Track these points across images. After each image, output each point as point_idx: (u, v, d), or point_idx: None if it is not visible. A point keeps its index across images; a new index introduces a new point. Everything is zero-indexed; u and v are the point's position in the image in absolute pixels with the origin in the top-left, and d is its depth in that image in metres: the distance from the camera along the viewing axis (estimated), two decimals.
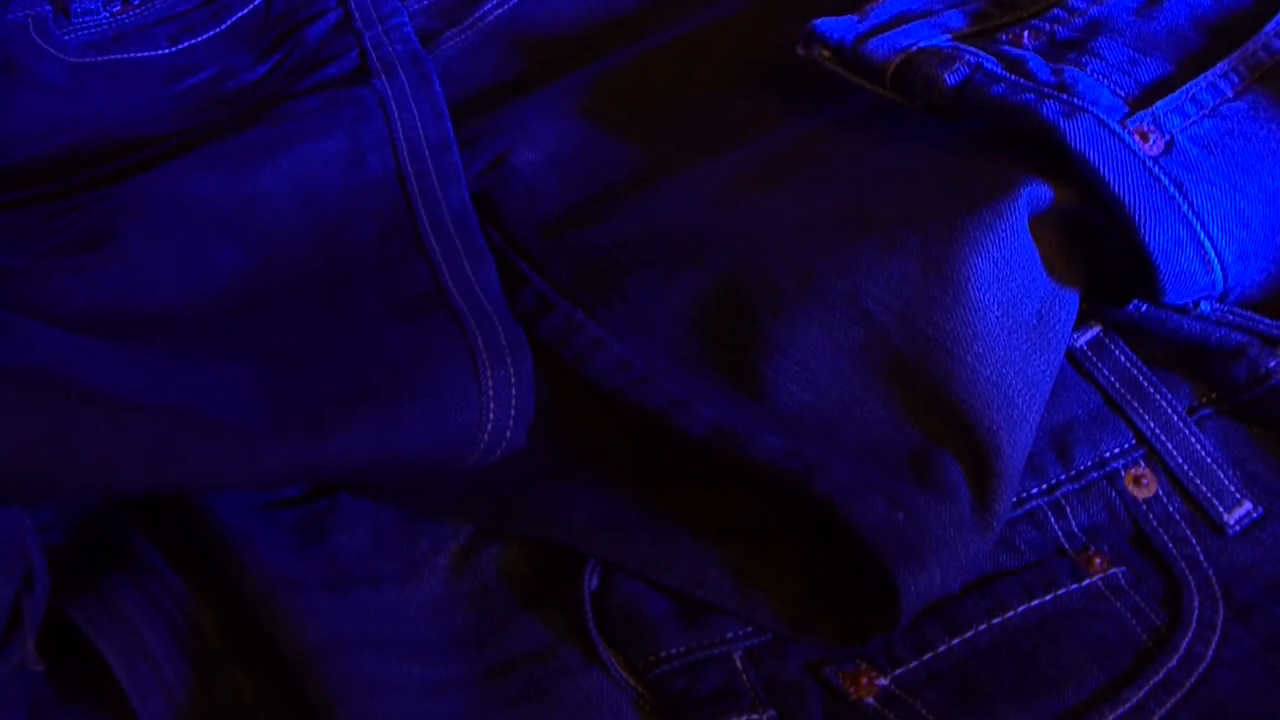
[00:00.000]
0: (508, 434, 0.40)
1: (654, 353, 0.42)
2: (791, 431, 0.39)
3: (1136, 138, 0.40)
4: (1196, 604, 0.38)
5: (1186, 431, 0.41)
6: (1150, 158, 0.39)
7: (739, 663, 0.38)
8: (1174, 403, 0.42)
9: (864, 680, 0.37)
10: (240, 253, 0.45)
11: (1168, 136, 0.40)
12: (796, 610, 0.38)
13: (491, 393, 0.40)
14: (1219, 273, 0.40)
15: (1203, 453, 0.41)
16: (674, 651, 0.38)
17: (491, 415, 0.40)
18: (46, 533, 0.41)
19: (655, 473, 0.41)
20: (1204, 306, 0.41)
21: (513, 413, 0.40)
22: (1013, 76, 0.42)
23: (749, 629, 0.38)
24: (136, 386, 0.37)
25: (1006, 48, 0.44)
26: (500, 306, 0.43)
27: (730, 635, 0.38)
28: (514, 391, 0.40)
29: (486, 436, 0.40)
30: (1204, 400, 0.42)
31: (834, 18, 0.46)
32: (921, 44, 0.44)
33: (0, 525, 0.38)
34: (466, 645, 0.39)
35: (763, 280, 0.41)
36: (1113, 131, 0.40)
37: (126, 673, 0.38)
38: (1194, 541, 0.40)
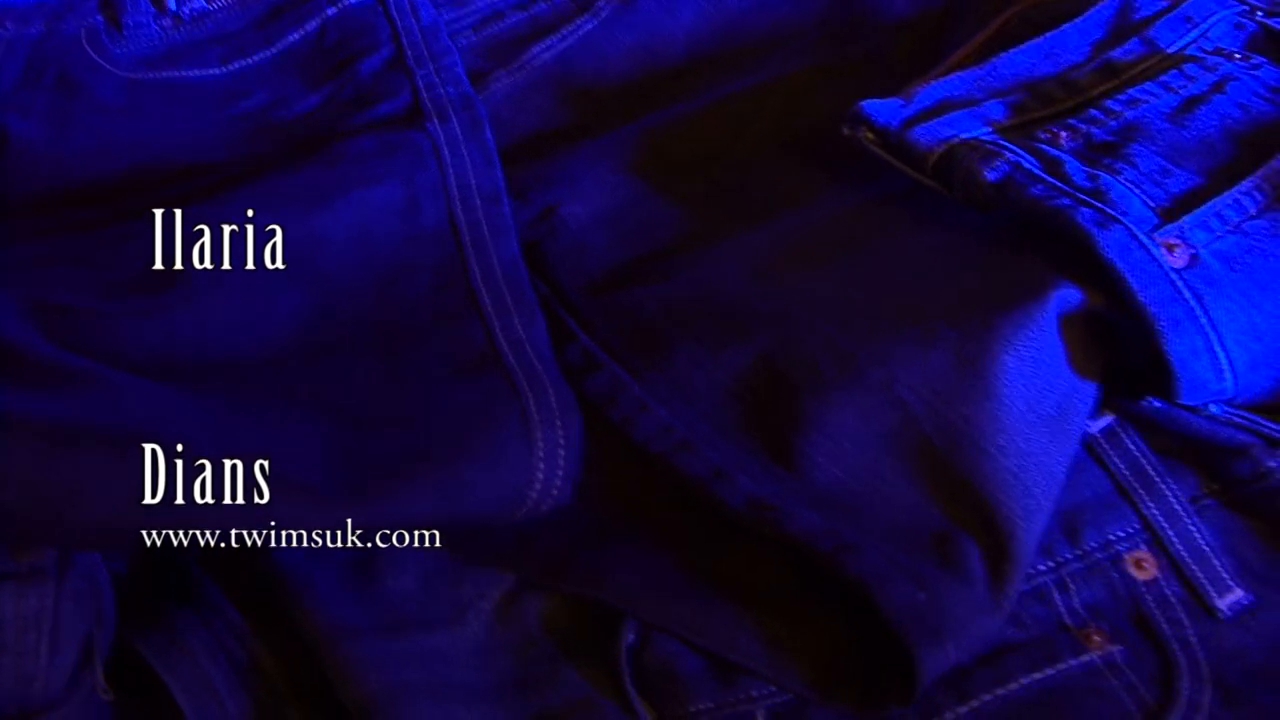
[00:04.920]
0: (555, 492, 0.42)
1: (695, 420, 0.44)
2: (825, 506, 0.42)
3: (1164, 250, 0.42)
4: (1186, 685, 0.41)
5: (1188, 520, 0.44)
6: (1175, 270, 0.42)
7: None
8: (1178, 492, 0.44)
9: None
10: (301, 297, 0.46)
11: (1193, 250, 0.42)
12: (820, 675, 0.41)
13: (542, 454, 0.42)
14: (1230, 380, 0.42)
15: (1201, 541, 0.44)
16: (703, 706, 0.41)
17: (541, 475, 0.42)
18: (111, 564, 0.43)
19: (694, 537, 0.43)
20: (1213, 408, 0.44)
21: (560, 472, 0.42)
22: (1050, 178, 0.44)
23: (774, 688, 0.41)
24: (214, 442, 0.39)
25: (1045, 146, 0.45)
26: (550, 367, 0.45)
27: (755, 694, 0.41)
28: (563, 452, 0.42)
29: (535, 494, 0.42)
30: (1207, 491, 0.45)
31: (880, 100, 0.48)
32: (963, 135, 0.46)
33: (79, 563, 0.40)
34: (510, 693, 0.41)
35: (805, 361, 0.43)
36: (1142, 243, 0.42)
37: (193, 708, 0.40)
38: (1187, 624, 0.43)
